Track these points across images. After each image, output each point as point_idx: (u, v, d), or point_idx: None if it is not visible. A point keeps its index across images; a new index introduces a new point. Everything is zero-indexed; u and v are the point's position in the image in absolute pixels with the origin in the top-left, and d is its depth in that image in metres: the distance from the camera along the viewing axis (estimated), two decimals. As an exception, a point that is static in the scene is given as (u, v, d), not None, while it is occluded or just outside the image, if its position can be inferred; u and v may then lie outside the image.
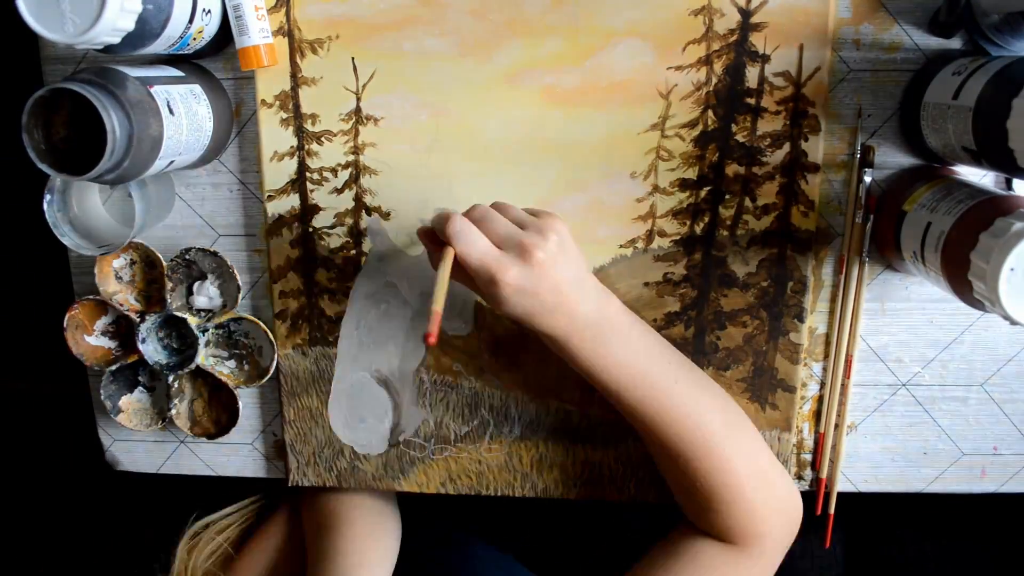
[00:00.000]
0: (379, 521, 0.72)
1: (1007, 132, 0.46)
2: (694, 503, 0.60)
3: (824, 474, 0.67)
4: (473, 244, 0.51)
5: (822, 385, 0.66)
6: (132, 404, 0.71)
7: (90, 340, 0.70)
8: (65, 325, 0.68)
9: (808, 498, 0.68)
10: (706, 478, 0.58)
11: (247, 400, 0.72)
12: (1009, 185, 0.60)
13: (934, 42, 0.59)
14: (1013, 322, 0.46)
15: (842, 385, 0.65)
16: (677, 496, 0.63)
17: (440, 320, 0.48)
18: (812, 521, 0.68)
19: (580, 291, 0.55)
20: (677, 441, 0.58)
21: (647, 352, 0.58)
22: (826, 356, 0.65)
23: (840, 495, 0.68)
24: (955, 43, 0.59)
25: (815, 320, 0.65)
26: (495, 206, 0.55)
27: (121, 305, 0.67)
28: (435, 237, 0.54)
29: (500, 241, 0.52)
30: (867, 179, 0.61)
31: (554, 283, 0.52)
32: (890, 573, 0.85)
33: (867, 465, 0.68)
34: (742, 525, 0.59)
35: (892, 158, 0.61)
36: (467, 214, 0.53)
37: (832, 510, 0.67)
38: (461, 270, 0.53)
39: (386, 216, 0.65)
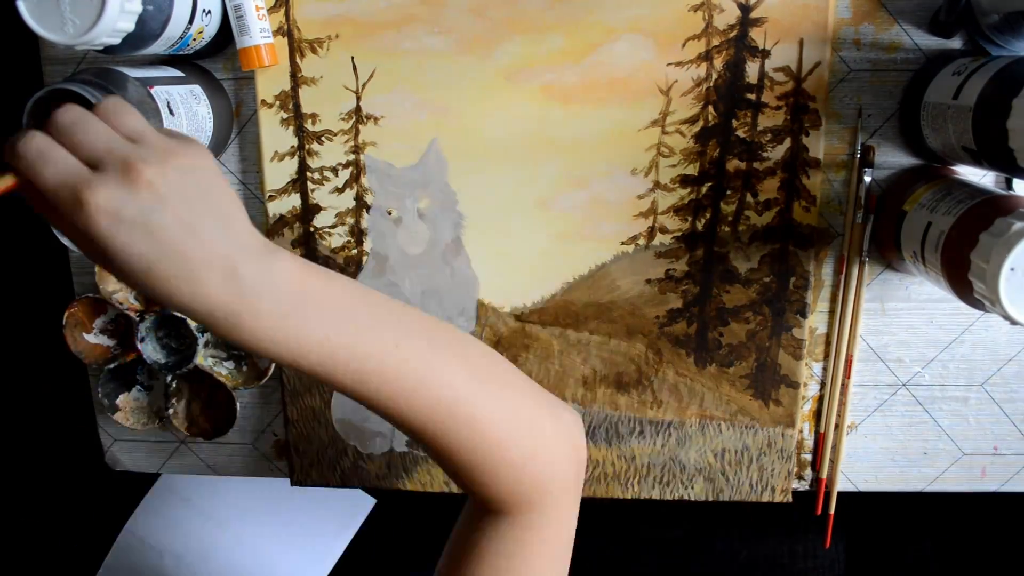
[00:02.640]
0: None
1: (1007, 132, 0.46)
2: (457, 478, 0.49)
3: (824, 474, 0.67)
4: (54, 155, 0.36)
5: (822, 385, 0.66)
6: (130, 403, 0.71)
7: (89, 338, 0.70)
8: (64, 323, 0.68)
9: (808, 498, 0.69)
10: (460, 451, 0.46)
11: (247, 400, 0.72)
12: (1009, 185, 0.60)
13: (934, 42, 0.59)
14: (1013, 322, 0.46)
15: (842, 385, 0.65)
16: (444, 471, 0.50)
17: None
18: (812, 521, 0.68)
19: (235, 243, 0.38)
20: (415, 417, 0.45)
21: (352, 316, 0.43)
22: (826, 356, 0.65)
23: (840, 495, 0.68)
24: (955, 43, 0.59)
25: (815, 320, 0.65)
26: (104, 108, 0.39)
27: (120, 304, 0.67)
28: None
29: (96, 156, 0.37)
30: (867, 179, 0.61)
31: (180, 220, 0.37)
32: (890, 573, 0.86)
33: (867, 465, 0.68)
34: (517, 489, 0.48)
35: (892, 158, 0.61)
36: (53, 119, 0.38)
37: (832, 510, 0.67)
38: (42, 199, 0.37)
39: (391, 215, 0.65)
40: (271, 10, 0.61)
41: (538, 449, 0.48)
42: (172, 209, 0.36)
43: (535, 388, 0.50)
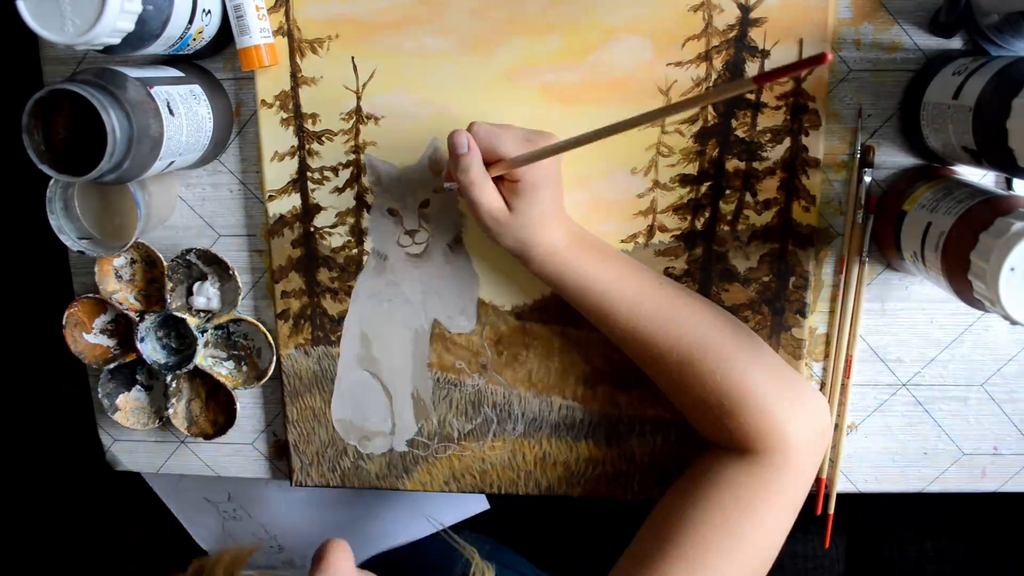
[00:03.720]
0: None
1: (1007, 132, 0.46)
2: (705, 413, 0.57)
3: (824, 474, 0.67)
4: (507, 130, 0.54)
5: (822, 385, 0.66)
6: (130, 403, 0.71)
7: (88, 338, 0.70)
8: (64, 323, 0.68)
9: (808, 498, 0.69)
10: (712, 378, 0.55)
11: (248, 400, 0.72)
12: (1009, 185, 0.60)
13: (934, 42, 0.59)
14: (1013, 322, 0.46)
15: (842, 385, 0.65)
16: (688, 415, 0.60)
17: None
18: (812, 521, 0.68)
19: (561, 210, 0.57)
20: (674, 344, 0.55)
21: (629, 262, 0.59)
22: (826, 356, 0.65)
23: (840, 495, 0.68)
24: (955, 43, 0.59)
25: (815, 320, 0.65)
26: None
27: (120, 304, 0.67)
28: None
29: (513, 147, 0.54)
30: (867, 179, 0.61)
31: (553, 196, 0.55)
32: (890, 573, 0.86)
33: (867, 465, 0.68)
34: (760, 428, 0.55)
35: (892, 158, 0.61)
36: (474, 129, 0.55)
37: (832, 510, 0.67)
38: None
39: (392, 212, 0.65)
40: (271, 10, 0.61)
41: (785, 397, 0.55)
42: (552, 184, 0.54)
43: (782, 360, 0.59)
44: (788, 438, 0.55)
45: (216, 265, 0.67)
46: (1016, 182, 0.60)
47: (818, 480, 0.67)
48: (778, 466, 0.55)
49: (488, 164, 0.54)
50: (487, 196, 0.54)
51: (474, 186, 0.53)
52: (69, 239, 0.63)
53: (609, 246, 0.61)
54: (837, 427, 0.66)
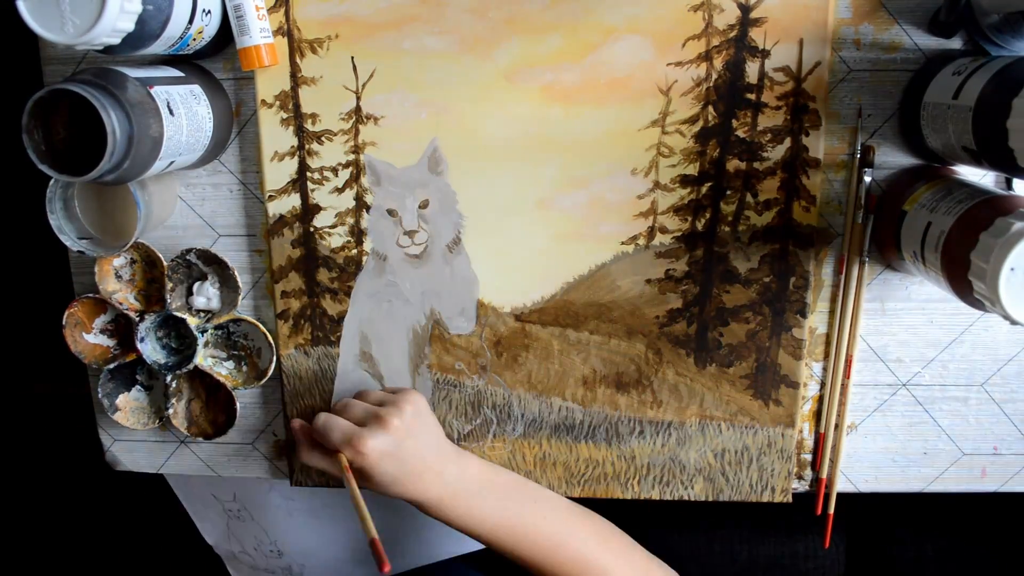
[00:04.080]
0: None
1: (1007, 132, 0.46)
2: None
3: (824, 474, 0.67)
4: (335, 428, 0.60)
5: (822, 385, 0.66)
6: (130, 403, 0.71)
7: (88, 338, 0.70)
8: (64, 323, 0.68)
9: (808, 498, 0.69)
10: None
11: (248, 400, 0.72)
12: (1009, 185, 0.60)
13: (934, 42, 0.59)
14: (1013, 322, 0.46)
15: (842, 385, 0.65)
16: None
17: (380, 546, 0.51)
18: (812, 521, 0.68)
19: (441, 455, 0.62)
20: (559, 568, 0.62)
21: (513, 498, 0.63)
22: (826, 356, 0.65)
23: (840, 495, 0.68)
24: (955, 43, 0.59)
25: (815, 320, 0.65)
26: (357, 394, 0.66)
27: (120, 304, 0.67)
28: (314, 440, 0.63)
29: (360, 420, 0.61)
30: (867, 179, 0.61)
31: (415, 448, 0.60)
32: (890, 573, 0.86)
33: (867, 465, 0.68)
34: None
35: (892, 158, 0.61)
36: (332, 407, 0.65)
37: (832, 510, 0.67)
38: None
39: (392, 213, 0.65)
40: (271, 10, 0.61)
41: None
42: (410, 440, 0.60)
43: (650, 557, 0.66)
44: None
45: (216, 265, 0.67)
46: (1016, 182, 0.60)
47: (818, 480, 0.67)
48: None
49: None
50: (314, 462, 0.62)
51: (307, 463, 0.63)
52: (69, 239, 0.63)
53: (500, 483, 0.64)
54: (837, 427, 0.66)
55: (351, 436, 0.59)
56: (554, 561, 0.62)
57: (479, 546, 0.86)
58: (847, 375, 0.65)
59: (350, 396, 0.68)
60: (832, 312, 0.65)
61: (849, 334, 0.64)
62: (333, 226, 0.66)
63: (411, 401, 0.62)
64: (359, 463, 0.58)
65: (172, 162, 0.58)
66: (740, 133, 0.61)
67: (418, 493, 0.60)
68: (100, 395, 0.69)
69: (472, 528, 0.61)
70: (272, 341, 0.68)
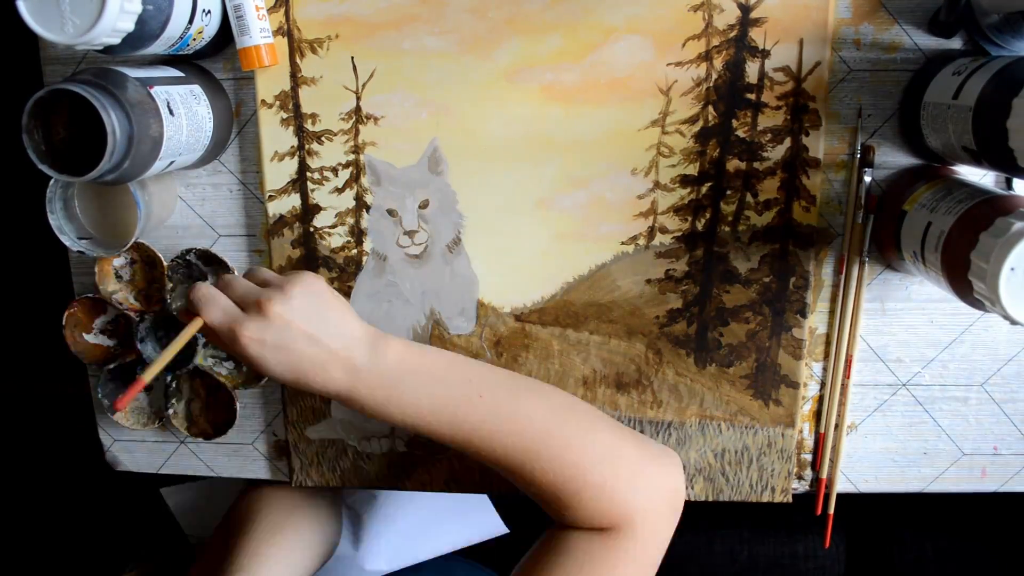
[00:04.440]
0: (290, 520, 0.70)
1: (1007, 132, 0.46)
2: (546, 504, 0.57)
3: (824, 474, 0.67)
4: (213, 305, 0.52)
5: (822, 385, 0.66)
6: (130, 403, 0.71)
7: (88, 338, 0.70)
8: (64, 323, 0.68)
9: (808, 498, 0.69)
10: (544, 476, 0.55)
11: (247, 400, 0.72)
12: (1009, 185, 0.60)
13: (934, 42, 0.59)
14: (1013, 322, 0.46)
15: (842, 385, 0.65)
16: (535, 500, 0.59)
17: (138, 389, 0.51)
18: (812, 521, 0.68)
19: (348, 339, 0.53)
20: (503, 453, 0.55)
21: (443, 380, 0.55)
22: (826, 356, 0.65)
23: (840, 495, 0.68)
24: (955, 43, 0.59)
25: (815, 320, 0.65)
26: (247, 272, 0.57)
27: (120, 304, 0.67)
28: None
29: (241, 301, 0.53)
30: (867, 179, 0.61)
31: (304, 334, 0.52)
32: (890, 573, 0.86)
33: (867, 465, 0.68)
34: (599, 510, 0.55)
35: (892, 158, 0.61)
36: (215, 283, 0.55)
37: (832, 510, 0.67)
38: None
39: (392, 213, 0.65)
40: (271, 10, 0.61)
41: (621, 475, 0.55)
42: (297, 327, 0.51)
43: (621, 428, 0.58)
44: (630, 513, 0.55)
45: (216, 265, 0.67)
46: (1016, 182, 0.60)
47: (818, 480, 0.67)
48: (624, 538, 0.55)
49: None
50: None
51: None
52: (69, 239, 0.63)
53: (426, 364, 0.56)
54: (837, 427, 0.66)
55: (228, 320, 0.51)
56: (498, 444, 0.54)
57: (480, 542, 0.86)
58: (847, 375, 0.65)
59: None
60: (832, 312, 0.65)
61: (849, 334, 0.64)
62: (333, 226, 0.66)
63: (301, 283, 0.53)
64: (239, 352, 0.52)
65: (172, 162, 0.58)
66: (740, 133, 0.61)
67: (323, 384, 0.53)
68: (100, 395, 0.69)
69: (397, 419, 0.54)
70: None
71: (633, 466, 0.56)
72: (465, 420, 0.54)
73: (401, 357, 0.55)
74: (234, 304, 0.53)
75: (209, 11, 0.57)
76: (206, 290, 0.53)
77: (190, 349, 0.68)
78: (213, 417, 0.71)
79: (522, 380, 0.58)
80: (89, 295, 0.68)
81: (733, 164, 0.61)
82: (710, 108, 0.61)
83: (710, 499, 0.68)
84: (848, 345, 0.64)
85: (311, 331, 0.52)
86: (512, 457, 0.55)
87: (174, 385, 0.69)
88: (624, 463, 0.56)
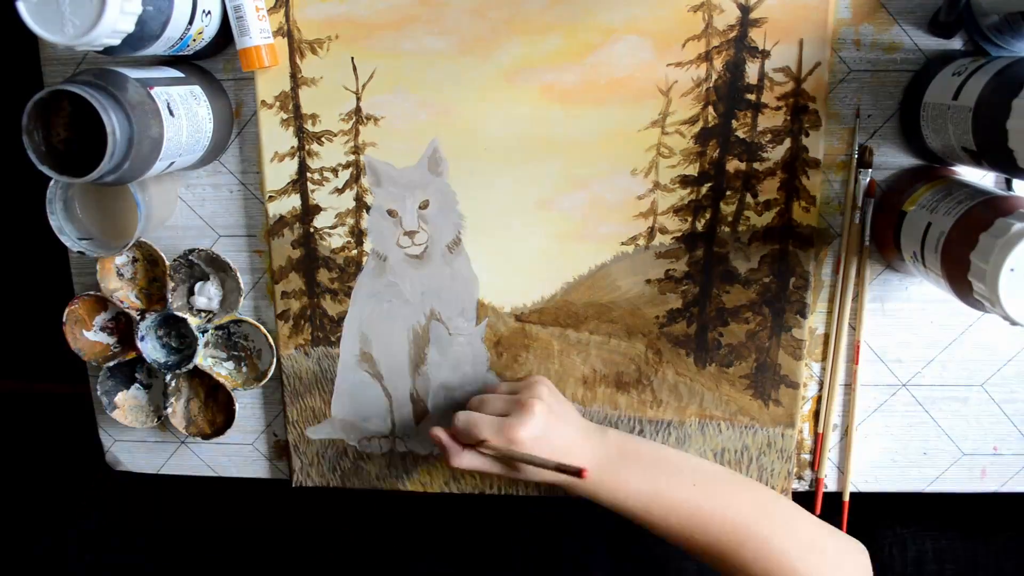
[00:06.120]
0: None
1: (1007, 132, 0.46)
2: None
3: (823, 474, 0.67)
4: (482, 423, 0.58)
5: (821, 385, 0.66)
6: (128, 401, 0.72)
7: (88, 335, 0.70)
8: (64, 320, 0.68)
9: (808, 498, 0.69)
10: (753, 564, 0.58)
11: (248, 400, 0.72)
12: (1009, 185, 0.60)
13: (934, 42, 0.59)
14: (1013, 322, 0.46)
15: (847, 385, 0.65)
16: None
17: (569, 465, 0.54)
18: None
19: (583, 430, 0.61)
20: (714, 542, 0.58)
21: (659, 468, 0.60)
22: (824, 356, 0.65)
23: (839, 495, 0.68)
24: (955, 43, 0.59)
25: (815, 320, 0.65)
26: (480, 394, 0.63)
27: (122, 302, 0.67)
28: (453, 441, 0.60)
29: (502, 412, 0.59)
30: (864, 180, 0.61)
31: (561, 428, 0.59)
32: (890, 573, 0.86)
33: (867, 465, 0.68)
34: None
35: (892, 158, 0.61)
36: (468, 405, 0.62)
37: (847, 497, 0.67)
38: (495, 465, 0.59)
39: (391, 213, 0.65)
40: (271, 11, 0.61)
41: (820, 561, 0.58)
42: (555, 421, 0.59)
43: (814, 518, 0.61)
44: None
45: (217, 266, 0.67)
46: (1016, 183, 0.60)
47: (816, 481, 0.67)
48: None
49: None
50: (502, 474, 0.60)
51: (484, 473, 0.62)
52: (69, 239, 0.63)
53: (644, 453, 0.61)
54: (847, 429, 0.66)
55: (500, 427, 0.57)
56: (711, 532, 0.58)
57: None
58: (854, 376, 0.65)
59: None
60: (831, 312, 0.65)
61: (855, 334, 0.64)
62: (333, 226, 0.66)
63: (545, 383, 0.61)
64: (509, 450, 0.57)
65: (172, 163, 0.58)
66: (740, 134, 0.61)
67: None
68: (99, 392, 0.69)
69: (622, 502, 0.59)
70: (272, 343, 0.68)
71: (833, 559, 0.60)
72: (680, 507, 0.59)
73: (621, 446, 0.61)
74: (496, 417, 0.59)
75: (209, 12, 0.57)
76: (467, 418, 0.59)
77: (191, 349, 0.68)
78: (212, 417, 0.71)
79: (726, 473, 0.63)
80: (90, 292, 0.68)
81: (733, 165, 0.61)
82: (710, 109, 0.61)
83: (710, 499, 0.68)
84: (855, 345, 0.64)
85: (563, 423, 0.59)
86: (721, 546, 0.58)
87: (173, 384, 0.69)
88: (827, 554, 0.60)
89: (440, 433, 0.60)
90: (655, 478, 0.59)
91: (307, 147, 0.64)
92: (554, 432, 0.58)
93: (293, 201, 0.65)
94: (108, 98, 0.51)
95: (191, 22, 0.55)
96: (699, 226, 0.63)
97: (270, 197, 0.65)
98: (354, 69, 0.62)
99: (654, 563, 0.81)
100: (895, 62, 0.59)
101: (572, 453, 0.58)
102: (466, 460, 0.59)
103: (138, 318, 0.67)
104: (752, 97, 0.60)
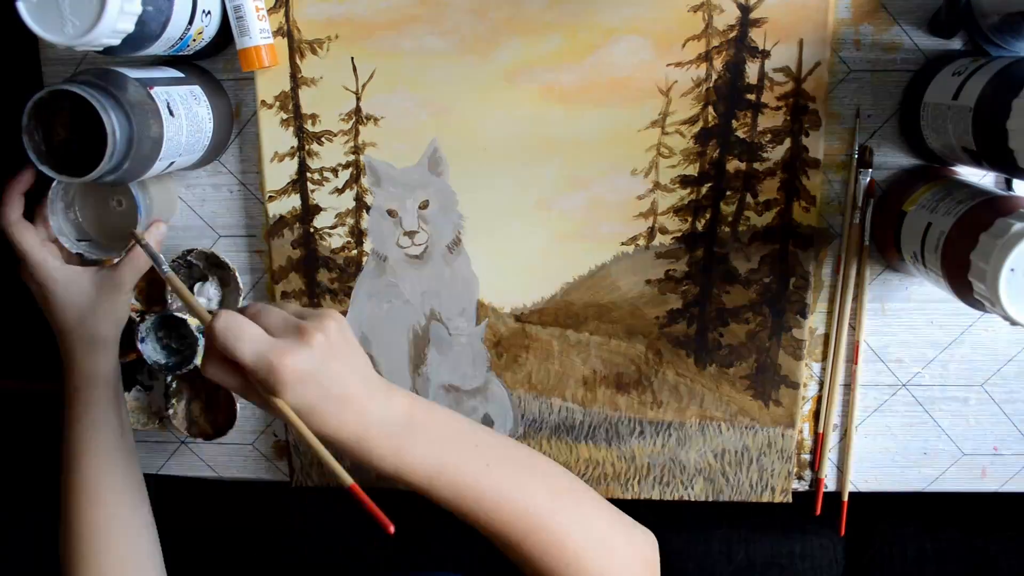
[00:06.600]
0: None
1: (1007, 132, 0.46)
2: None
3: (823, 474, 0.67)
4: (246, 335, 0.46)
5: (821, 385, 0.66)
6: (130, 403, 0.71)
7: (90, 340, 0.70)
8: (65, 325, 0.68)
9: (808, 498, 0.69)
10: (541, 558, 0.53)
11: (248, 401, 0.72)
12: (1009, 185, 0.60)
13: (934, 42, 0.59)
14: (1013, 322, 0.46)
15: (847, 385, 0.65)
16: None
17: (366, 497, 0.44)
18: (811, 521, 0.68)
19: (366, 385, 0.50)
20: (502, 527, 0.53)
21: (451, 441, 0.53)
22: (824, 356, 0.65)
23: (839, 495, 0.68)
24: (955, 43, 0.59)
25: (815, 320, 0.65)
26: (261, 305, 0.51)
27: (121, 305, 0.67)
28: (227, 365, 0.47)
29: (275, 329, 0.47)
30: (864, 180, 0.61)
31: (337, 372, 0.48)
32: (890, 573, 0.86)
33: (867, 465, 0.68)
34: None
35: (892, 158, 0.61)
36: (239, 310, 0.48)
37: (846, 497, 0.67)
38: (250, 386, 0.48)
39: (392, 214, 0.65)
40: (271, 11, 0.61)
41: (610, 561, 0.55)
42: (334, 363, 0.47)
43: (609, 508, 0.57)
44: None
45: (217, 266, 0.67)
46: (1016, 182, 0.60)
47: (816, 481, 0.67)
48: None
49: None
50: (213, 374, 0.48)
51: (232, 391, 0.52)
52: (68, 241, 0.63)
53: (437, 422, 0.53)
54: (846, 430, 0.66)
55: (266, 350, 0.45)
56: (498, 519, 0.52)
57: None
58: (854, 374, 0.65)
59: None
60: (831, 312, 0.65)
61: (855, 335, 0.64)
62: (333, 227, 0.66)
63: (335, 318, 0.49)
64: (271, 382, 0.45)
65: (172, 163, 0.58)
66: (740, 134, 0.61)
67: (334, 429, 0.48)
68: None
69: (401, 474, 0.51)
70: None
71: (620, 553, 0.56)
72: (468, 488, 0.52)
73: (409, 410, 0.52)
74: (266, 334, 0.47)
75: (209, 12, 0.57)
76: (230, 321, 0.46)
77: (190, 350, 0.68)
78: (213, 418, 0.71)
79: (525, 454, 0.56)
80: (89, 296, 0.68)
81: (733, 165, 0.61)
82: (710, 109, 0.61)
83: (710, 499, 0.68)
84: (855, 345, 0.64)
85: (343, 370, 0.48)
86: (510, 533, 0.53)
87: (174, 385, 0.69)
88: (613, 550, 0.56)
89: (200, 313, 0.49)
90: (443, 452, 0.52)
91: (307, 147, 0.64)
92: (329, 374, 0.47)
93: (293, 201, 0.65)
94: (108, 98, 0.51)
95: (191, 22, 0.55)
96: (699, 226, 0.63)
97: (270, 197, 0.65)
98: (354, 69, 0.62)
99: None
100: (895, 62, 0.59)
101: (344, 410, 0.48)
102: (218, 372, 0.48)
103: (138, 320, 0.67)
104: (752, 97, 0.60)
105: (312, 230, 0.66)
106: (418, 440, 0.51)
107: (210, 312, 0.49)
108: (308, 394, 0.47)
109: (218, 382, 0.48)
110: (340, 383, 0.48)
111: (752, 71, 0.60)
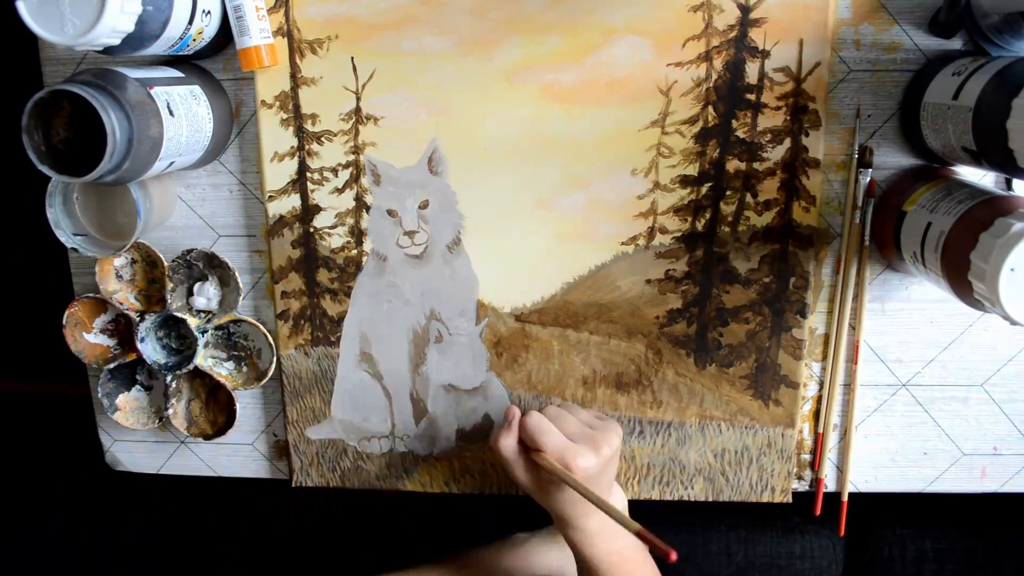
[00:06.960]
0: None
1: (1007, 132, 0.46)
2: None
3: (823, 474, 0.67)
4: (551, 434, 0.58)
5: (821, 385, 0.66)
6: (129, 402, 0.72)
7: (89, 338, 0.70)
8: (64, 322, 0.68)
9: (808, 498, 0.69)
10: None
11: (248, 400, 0.72)
12: (1009, 185, 0.60)
13: (934, 42, 0.59)
14: (1013, 322, 0.46)
15: (847, 385, 0.65)
16: None
17: (651, 534, 0.49)
18: (811, 521, 0.68)
19: (611, 493, 0.63)
20: None
21: (629, 562, 0.61)
22: (824, 356, 0.65)
23: (838, 495, 0.68)
24: (955, 43, 0.59)
25: (815, 320, 0.65)
26: (558, 408, 0.62)
27: (121, 304, 0.67)
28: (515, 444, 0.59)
29: (572, 436, 0.59)
30: (864, 180, 0.61)
31: (609, 477, 0.60)
32: (890, 573, 0.86)
33: (867, 465, 0.68)
34: None
35: (892, 158, 0.61)
36: (544, 411, 0.61)
37: (845, 497, 0.67)
38: (521, 463, 0.59)
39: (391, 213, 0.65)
40: (271, 10, 0.61)
41: None
42: (609, 470, 0.59)
43: None
44: None
45: (216, 266, 0.67)
46: (1016, 182, 0.60)
47: (816, 481, 0.67)
48: None
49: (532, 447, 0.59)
50: (516, 473, 0.60)
51: (506, 463, 0.60)
52: (64, 234, 0.63)
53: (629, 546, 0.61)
54: (845, 430, 0.66)
55: (564, 449, 0.57)
56: None
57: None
58: (853, 375, 0.65)
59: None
60: (831, 312, 0.65)
61: (855, 335, 0.64)
62: (333, 226, 0.66)
63: (618, 432, 0.60)
64: (568, 472, 0.57)
65: (172, 163, 0.58)
66: (740, 133, 0.61)
67: (582, 517, 0.59)
68: (100, 395, 0.69)
69: (590, 562, 0.61)
70: (272, 342, 0.68)
71: None
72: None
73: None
74: (565, 437, 0.58)
75: (209, 12, 0.57)
76: (539, 423, 0.58)
77: (191, 350, 0.68)
78: (213, 417, 0.71)
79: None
80: (90, 295, 0.68)
81: (733, 164, 0.61)
82: (710, 109, 0.61)
83: (710, 499, 0.68)
84: (855, 345, 0.64)
85: (609, 478, 0.60)
86: None
87: (174, 385, 0.69)
88: None
89: (515, 412, 0.60)
90: (620, 560, 0.61)
91: (307, 147, 0.64)
92: (602, 481, 0.59)
93: (293, 201, 0.65)
94: (108, 98, 0.51)
95: (191, 22, 0.55)
96: (699, 226, 0.63)
97: (270, 197, 0.65)
98: (354, 69, 0.62)
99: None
100: (895, 62, 0.59)
101: (589, 512, 0.59)
102: (509, 449, 0.59)
103: (138, 320, 0.67)
104: (752, 97, 0.60)
105: (312, 230, 0.66)
106: (620, 548, 0.61)
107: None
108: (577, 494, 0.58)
109: (504, 454, 0.59)
110: (603, 488, 0.59)
111: (752, 71, 0.60)
